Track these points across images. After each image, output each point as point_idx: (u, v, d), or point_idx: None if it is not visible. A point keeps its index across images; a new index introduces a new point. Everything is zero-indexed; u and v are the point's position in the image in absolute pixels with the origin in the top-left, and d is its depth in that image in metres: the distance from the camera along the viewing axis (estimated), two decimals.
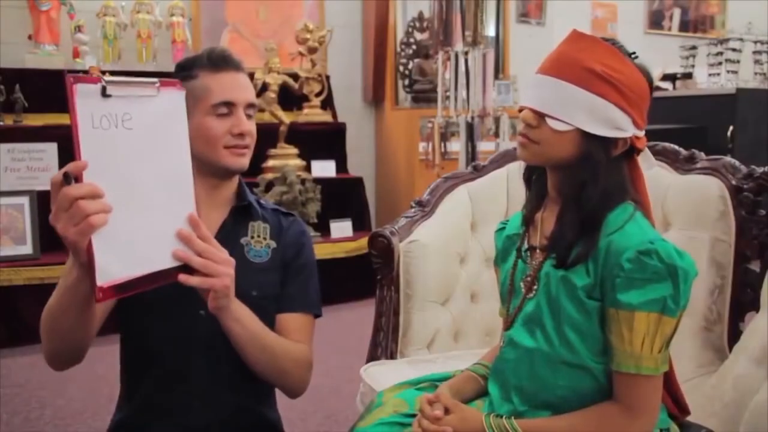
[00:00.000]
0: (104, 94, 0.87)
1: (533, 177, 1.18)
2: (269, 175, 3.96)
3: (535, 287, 1.11)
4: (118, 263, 0.90)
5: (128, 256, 0.91)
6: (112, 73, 3.42)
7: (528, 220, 1.17)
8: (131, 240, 0.91)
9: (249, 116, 1.25)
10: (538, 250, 1.13)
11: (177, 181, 0.98)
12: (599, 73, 1.02)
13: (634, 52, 1.07)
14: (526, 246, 1.16)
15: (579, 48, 1.04)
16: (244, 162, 1.25)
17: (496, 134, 4.06)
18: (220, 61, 1.23)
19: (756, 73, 5.45)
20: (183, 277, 0.99)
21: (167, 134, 0.97)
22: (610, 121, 1.03)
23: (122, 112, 0.90)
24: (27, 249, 3.35)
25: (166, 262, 0.97)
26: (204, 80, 1.21)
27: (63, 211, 0.85)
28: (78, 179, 0.86)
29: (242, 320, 1.12)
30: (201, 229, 1.01)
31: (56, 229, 0.87)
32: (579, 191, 1.04)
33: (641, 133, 1.07)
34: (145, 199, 0.93)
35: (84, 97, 0.85)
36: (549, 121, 1.04)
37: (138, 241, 0.92)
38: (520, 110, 1.09)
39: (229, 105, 1.22)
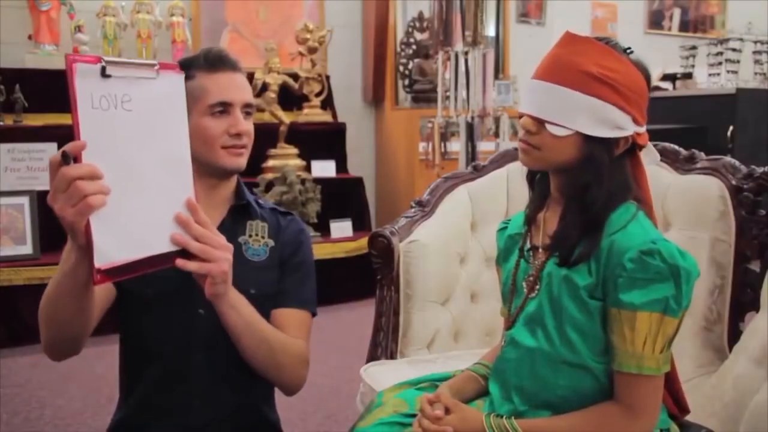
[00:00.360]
0: (104, 74, 0.87)
1: (536, 177, 1.18)
2: (269, 175, 3.96)
3: (538, 287, 1.11)
4: (116, 245, 0.89)
5: (126, 239, 0.90)
6: None
7: (530, 220, 1.17)
8: (129, 223, 0.91)
9: (246, 116, 1.25)
10: (540, 250, 1.13)
11: (176, 165, 0.98)
12: (596, 75, 1.01)
13: (629, 48, 1.07)
14: (528, 246, 1.16)
15: (573, 51, 1.03)
16: (242, 162, 1.25)
17: (496, 134, 4.06)
18: (216, 62, 1.23)
19: (756, 73, 5.45)
20: (180, 262, 0.98)
21: (166, 117, 0.96)
22: (610, 121, 1.03)
23: (122, 93, 0.89)
24: (27, 249, 3.35)
25: (164, 247, 0.96)
26: (201, 80, 1.21)
27: (61, 191, 0.85)
28: (77, 159, 0.85)
29: (239, 308, 1.12)
30: (199, 214, 1.00)
31: (54, 209, 0.86)
32: (582, 192, 1.04)
33: (642, 130, 1.07)
34: (143, 182, 0.93)
35: (83, 76, 0.85)
36: (549, 126, 1.04)
37: (136, 224, 0.92)
38: (520, 116, 1.09)
39: (226, 105, 1.22)
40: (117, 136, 0.89)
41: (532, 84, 1.07)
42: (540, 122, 1.05)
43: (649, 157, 1.14)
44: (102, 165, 0.87)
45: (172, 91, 0.97)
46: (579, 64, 1.02)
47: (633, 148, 1.08)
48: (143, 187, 0.93)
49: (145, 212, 0.93)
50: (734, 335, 1.46)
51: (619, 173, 1.06)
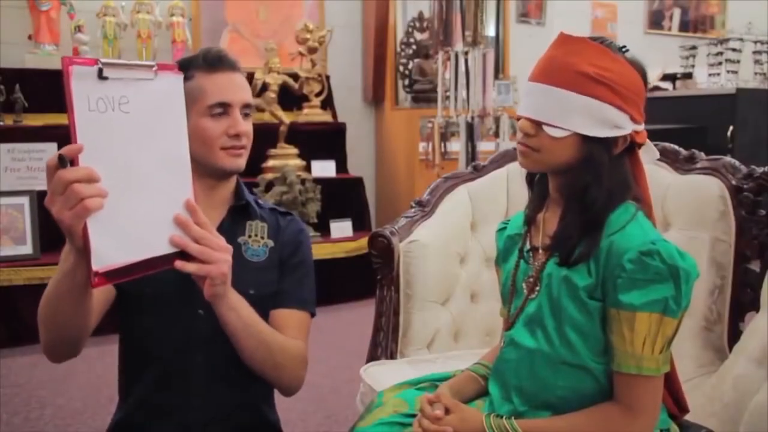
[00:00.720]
0: (101, 76, 0.86)
1: (535, 178, 1.18)
2: (269, 175, 3.96)
3: (538, 288, 1.11)
4: (114, 248, 0.89)
5: (124, 241, 0.90)
6: None
7: (530, 221, 1.17)
8: (127, 225, 0.90)
9: (245, 116, 1.25)
10: (540, 251, 1.13)
11: (175, 166, 0.97)
12: (591, 75, 1.01)
13: (624, 46, 1.07)
14: (528, 246, 1.16)
15: (568, 51, 1.03)
16: (241, 163, 1.25)
17: (496, 134, 4.06)
18: (215, 62, 1.22)
19: (756, 73, 5.45)
20: (179, 264, 0.98)
21: (165, 118, 0.96)
22: (608, 121, 1.03)
23: (119, 95, 0.89)
24: (27, 249, 3.35)
25: (163, 248, 0.96)
26: (199, 81, 1.21)
27: (58, 194, 0.85)
28: (74, 162, 0.85)
29: (238, 310, 1.12)
30: (198, 215, 1.00)
31: (51, 212, 0.86)
32: (582, 193, 1.04)
33: (641, 128, 1.07)
34: (142, 184, 0.92)
35: (80, 78, 0.84)
36: (546, 128, 1.04)
37: (134, 226, 0.91)
38: (518, 119, 1.09)
39: (225, 106, 1.21)
40: (114, 138, 0.89)
41: (528, 86, 1.07)
42: (537, 124, 1.05)
43: (648, 155, 1.14)
44: (99, 167, 0.86)
45: (170, 91, 0.96)
46: (574, 65, 1.02)
47: (632, 146, 1.08)
48: (142, 189, 0.93)
49: (144, 214, 0.93)
50: (734, 335, 1.46)
51: (618, 172, 1.06)
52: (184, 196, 0.99)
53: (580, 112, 1.02)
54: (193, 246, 0.99)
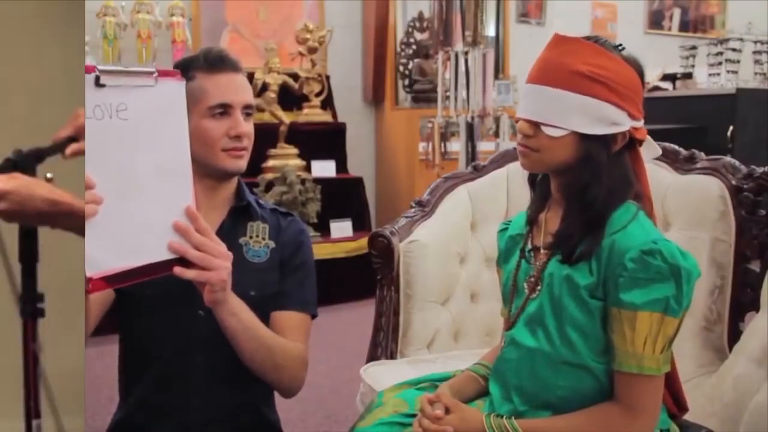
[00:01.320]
0: (98, 83, 0.86)
1: (537, 179, 1.18)
2: (269, 175, 3.96)
3: (539, 288, 1.11)
4: (109, 254, 0.89)
5: (121, 247, 0.90)
6: None
7: (532, 221, 1.17)
8: (124, 231, 0.90)
9: (246, 117, 1.24)
10: (542, 250, 1.13)
11: (175, 173, 0.97)
12: (587, 74, 1.02)
13: (619, 45, 1.07)
14: (530, 246, 1.16)
15: (563, 52, 1.04)
16: (242, 164, 1.25)
17: (496, 134, 4.06)
18: (216, 62, 1.22)
19: (756, 73, 5.44)
20: (179, 270, 0.98)
21: (165, 125, 0.95)
22: (605, 118, 1.03)
23: (117, 102, 0.89)
24: None
25: (162, 254, 0.96)
26: (200, 81, 1.20)
27: None
28: None
29: (239, 314, 1.12)
30: (199, 221, 1.00)
31: None
32: (582, 192, 1.05)
33: (639, 124, 1.07)
34: (140, 191, 0.92)
35: None
36: (544, 128, 1.04)
37: (132, 233, 0.91)
38: (517, 121, 1.09)
39: (226, 106, 1.21)
40: (112, 145, 0.89)
41: (526, 88, 1.08)
42: (536, 125, 1.05)
43: (650, 152, 1.14)
44: (95, 173, 0.86)
45: (171, 98, 0.96)
46: (569, 65, 1.02)
47: (632, 143, 1.08)
48: (140, 195, 0.92)
49: (142, 220, 0.93)
50: (734, 335, 1.46)
51: (618, 169, 1.06)
52: (184, 203, 0.98)
53: (577, 111, 1.02)
54: (193, 252, 0.99)
